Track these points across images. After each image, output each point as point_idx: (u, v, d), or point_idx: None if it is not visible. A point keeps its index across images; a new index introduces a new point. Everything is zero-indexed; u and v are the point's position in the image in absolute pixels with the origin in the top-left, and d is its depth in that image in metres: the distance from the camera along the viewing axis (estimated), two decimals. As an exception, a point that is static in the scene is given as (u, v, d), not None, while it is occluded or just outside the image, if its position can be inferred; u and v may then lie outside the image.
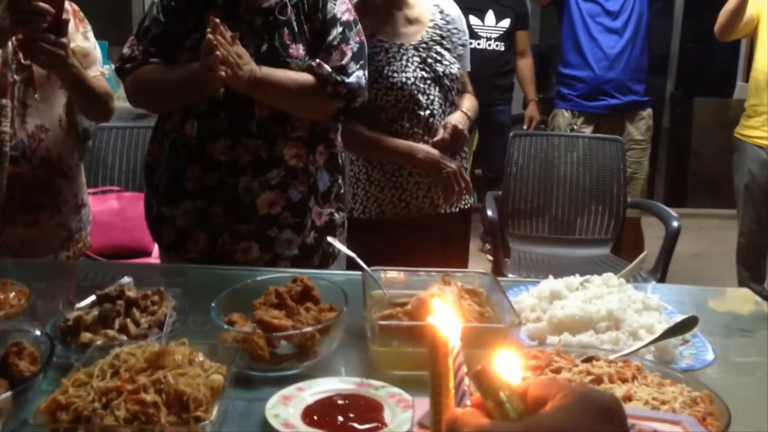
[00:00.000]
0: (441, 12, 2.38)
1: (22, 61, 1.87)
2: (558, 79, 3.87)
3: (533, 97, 4.75)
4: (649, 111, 3.76)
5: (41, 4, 1.68)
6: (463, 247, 2.57)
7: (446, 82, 2.29)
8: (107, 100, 2.02)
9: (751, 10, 3.28)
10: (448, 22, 2.37)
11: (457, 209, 2.39)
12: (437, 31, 2.32)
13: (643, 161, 3.75)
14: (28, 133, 1.91)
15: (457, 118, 2.25)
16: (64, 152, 2.01)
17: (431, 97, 2.24)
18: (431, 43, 2.29)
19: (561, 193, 3.36)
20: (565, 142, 3.41)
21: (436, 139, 2.19)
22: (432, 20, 2.34)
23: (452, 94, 2.34)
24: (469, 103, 2.40)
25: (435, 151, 2.17)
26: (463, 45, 2.41)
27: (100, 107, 2.02)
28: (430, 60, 2.25)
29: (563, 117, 3.73)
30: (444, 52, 2.30)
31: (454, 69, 2.31)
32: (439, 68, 2.26)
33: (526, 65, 4.75)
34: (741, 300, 1.67)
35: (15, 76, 1.87)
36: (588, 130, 3.64)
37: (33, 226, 1.96)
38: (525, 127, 4.71)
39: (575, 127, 3.66)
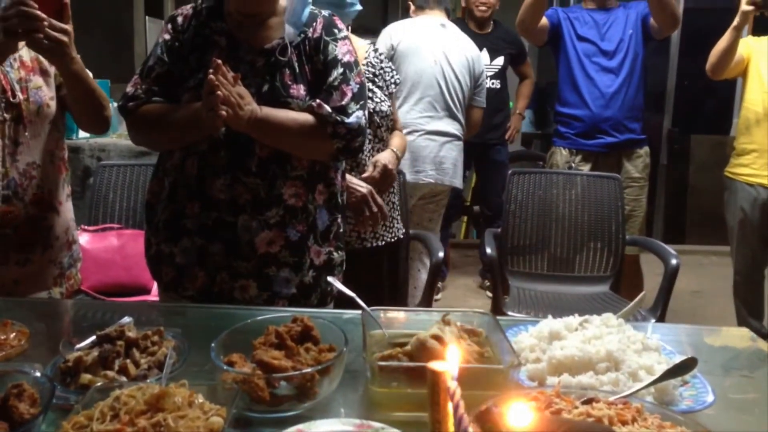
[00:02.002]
0: (375, 51, 2.49)
1: (11, 99, 1.87)
2: (555, 118, 3.90)
3: (520, 111, 4.99)
4: (646, 149, 3.79)
5: (32, 10, 1.65)
6: (393, 281, 2.62)
7: (376, 118, 2.39)
8: (106, 104, 1.99)
9: (741, 51, 3.35)
10: (381, 61, 2.49)
11: (384, 242, 2.46)
12: (370, 69, 2.42)
13: (641, 199, 3.77)
14: (20, 171, 1.90)
15: (386, 157, 2.34)
16: (55, 188, 2.01)
17: None
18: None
19: (560, 230, 3.37)
20: (564, 180, 3.43)
21: (365, 176, 2.25)
22: (366, 58, 2.43)
23: (381, 130, 2.44)
24: (398, 141, 2.49)
25: (348, 176, 2.18)
26: (396, 83, 2.52)
27: (99, 112, 1.99)
28: None
29: (561, 155, 3.76)
30: (375, 90, 2.41)
31: (384, 107, 2.42)
32: (370, 105, 2.35)
33: (526, 83, 5.01)
34: (739, 339, 1.67)
35: (5, 115, 1.86)
36: (586, 168, 3.66)
37: (25, 264, 1.95)
38: (507, 136, 4.86)
39: (573, 164, 3.68)
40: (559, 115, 3.82)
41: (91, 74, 1.99)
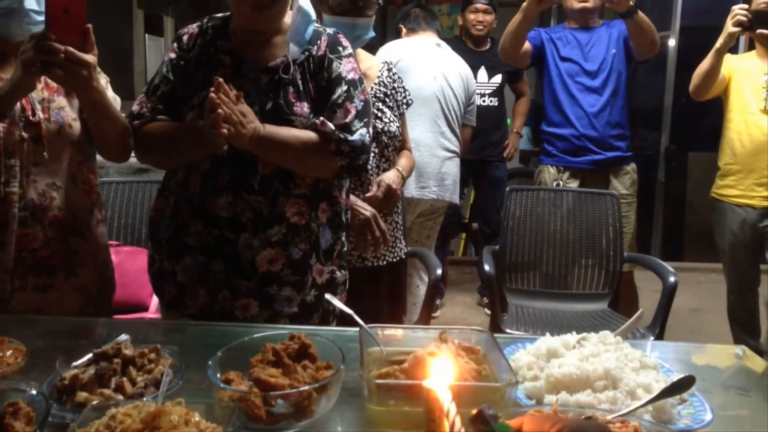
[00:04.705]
0: (389, 70, 2.47)
1: (31, 117, 1.81)
2: (542, 137, 3.91)
3: (517, 130, 5.00)
4: (633, 165, 3.79)
5: (49, 43, 1.57)
6: (394, 301, 2.61)
7: (384, 138, 2.38)
8: (126, 133, 1.88)
9: (723, 71, 3.29)
10: (394, 81, 2.47)
11: (385, 262, 2.46)
12: (382, 88, 2.41)
13: (630, 215, 3.76)
14: (38, 192, 1.83)
15: (391, 177, 2.33)
16: (80, 211, 1.92)
17: None
18: (374, 99, 2.36)
19: (558, 247, 3.37)
20: (561, 197, 3.44)
21: (368, 195, 2.24)
22: (379, 77, 2.42)
23: (389, 150, 2.42)
24: (405, 161, 2.48)
25: (353, 198, 2.18)
26: (407, 104, 2.50)
27: (118, 141, 1.87)
28: None
29: (549, 173, 3.76)
30: (385, 110, 2.40)
31: (393, 127, 2.40)
32: (379, 125, 2.34)
33: (522, 101, 5.04)
34: (737, 357, 1.67)
35: (23, 134, 1.80)
36: (574, 185, 3.67)
37: (46, 290, 1.86)
38: (506, 154, 4.86)
39: (561, 182, 3.69)
40: (545, 134, 3.83)
41: (119, 101, 1.93)
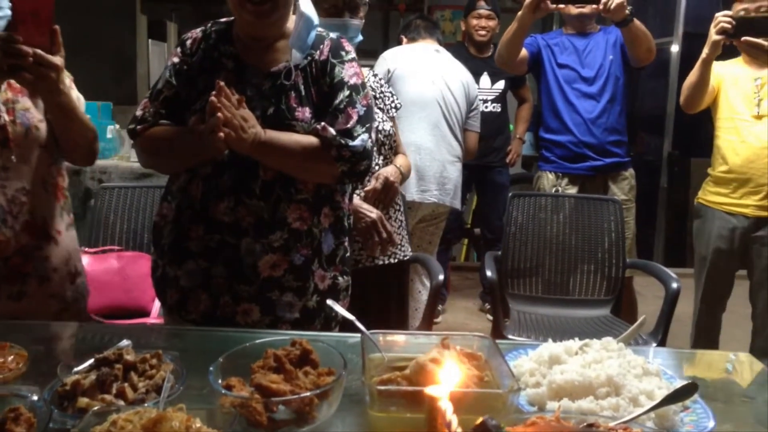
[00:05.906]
0: (375, 76, 2.55)
1: None
2: (540, 143, 3.91)
3: (520, 136, 5.00)
4: (631, 171, 3.79)
5: (16, 46, 1.54)
6: (400, 299, 2.64)
7: (380, 137, 2.42)
8: (93, 137, 1.88)
9: (711, 81, 3.21)
10: (381, 86, 2.54)
11: (396, 260, 2.49)
12: (370, 92, 2.43)
13: (629, 221, 3.74)
14: (8, 198, 1.79)
15: (389, 171, 2.36)
16: (50, 216, 1.89)
17: None
18: None
19: (560, 253, 3.36)
20: (564, 203, 3.43)
21: (367, 188, 2.25)
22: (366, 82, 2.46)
23: (385, 148, 2.46)
24: (402, 160, 2.51)
25: (357, 201, 2.18)
26: (396, 108, 2.56)
27: (85, 145, 1.88)
28: None
29: (547, 179, 3.76)
30: (377, 111, 2.44)
31: (387, 126, 2.44)
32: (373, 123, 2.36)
33: (525, 107, 5.05)
34: (740, 363, 1.66)
35: None
36: (572, 191, 3.66)
37: (20, 298, 1.85)
38: (508, 160, 4.86)
39: (560, 188, 3.68)
40: (543, 140, 3.83)
41: (83, 101, 1.91)
